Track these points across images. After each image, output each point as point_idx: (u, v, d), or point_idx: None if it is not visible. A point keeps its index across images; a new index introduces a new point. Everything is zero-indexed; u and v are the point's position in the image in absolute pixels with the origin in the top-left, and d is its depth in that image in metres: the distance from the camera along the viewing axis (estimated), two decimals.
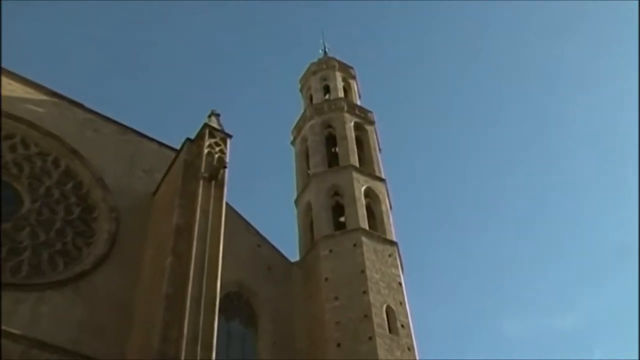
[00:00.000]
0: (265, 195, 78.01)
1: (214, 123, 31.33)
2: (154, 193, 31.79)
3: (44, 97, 32.80)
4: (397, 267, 34.25)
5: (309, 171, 40.14)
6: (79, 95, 34.13)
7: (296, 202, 39.14)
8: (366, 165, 39.58)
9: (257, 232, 34.86)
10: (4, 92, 31.17)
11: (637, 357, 47.34)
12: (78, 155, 31.65)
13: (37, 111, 31.84)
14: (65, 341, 24.00)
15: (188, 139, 30.97)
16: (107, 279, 27.47)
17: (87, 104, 33.98)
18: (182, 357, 22.34)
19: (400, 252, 35.35)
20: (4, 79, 31.78)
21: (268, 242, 34.87)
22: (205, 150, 29.70)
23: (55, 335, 24.03)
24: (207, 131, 30.60)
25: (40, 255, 27.35)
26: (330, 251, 34.05)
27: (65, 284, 26.51)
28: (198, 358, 22.54)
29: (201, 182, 28.24)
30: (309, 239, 36.37)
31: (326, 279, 32.80)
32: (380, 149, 41.75)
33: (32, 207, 28.85)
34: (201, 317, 23.65)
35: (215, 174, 28.70)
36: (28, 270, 26.45)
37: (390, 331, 30.90)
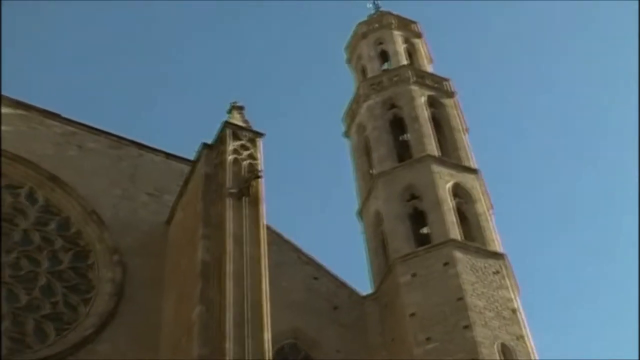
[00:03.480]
0: (318, 209, 77.74)
1: (237, 120, 31.39)
2: (168, 222, 31.91)
3: (6, 110, 32.81)
4: (507, 287, 33.89)
5: (372, 170, 40.04)
6: (52, 103, 34.19)
7: (359, 213, 39.19)
8: (450, 154, 39.38)
9: (312, 260, 34.92)
10: None
11: (637, 357, 50.28)
12: (59, 183, 31.65)
13: None
14: None
15: (205, 145, 31.01)
16: (116, 346, 27.28)
17: (64, 114, 33.99)
18: None
19: (511, 266, 34.94)
20: None
21: (328, 272, 34.94)
22: (230, 158, 29.64)
23: None
24: (228, 131, 30.60)
25: (24, 323, 27.26)
26: (413, 275, 33.79)
27: (61, 358, 26.28)
28: None
29: (228, 201, 28.13)
30: (383, 262, 36.17)
31: (412, 314, 32.58)
32: (466, 129, 41.68)
33: (6, 259, 28.73)
34: None
35: (247, 188, 28.62)
36: (9, 345, 26.27)
37: None
